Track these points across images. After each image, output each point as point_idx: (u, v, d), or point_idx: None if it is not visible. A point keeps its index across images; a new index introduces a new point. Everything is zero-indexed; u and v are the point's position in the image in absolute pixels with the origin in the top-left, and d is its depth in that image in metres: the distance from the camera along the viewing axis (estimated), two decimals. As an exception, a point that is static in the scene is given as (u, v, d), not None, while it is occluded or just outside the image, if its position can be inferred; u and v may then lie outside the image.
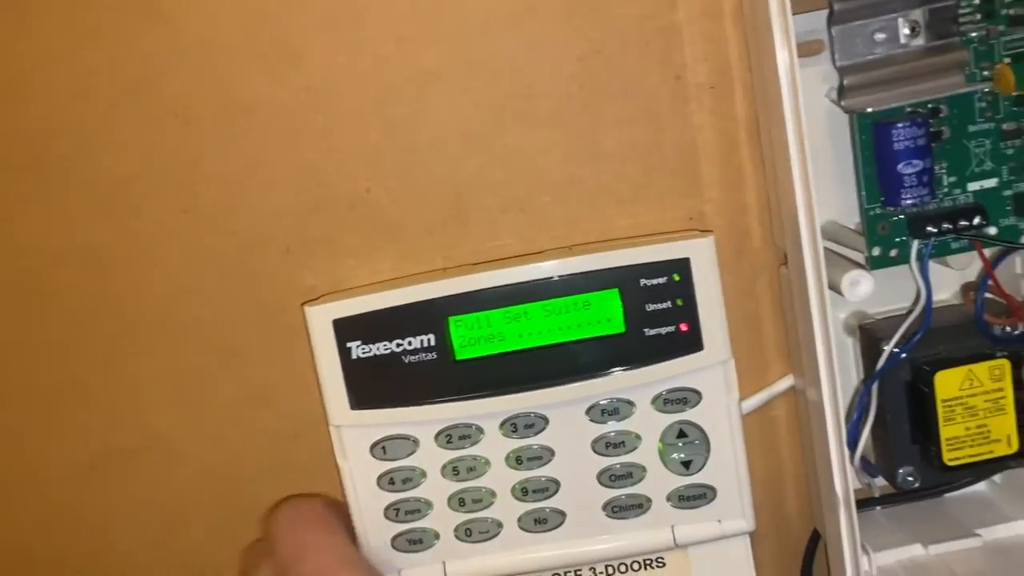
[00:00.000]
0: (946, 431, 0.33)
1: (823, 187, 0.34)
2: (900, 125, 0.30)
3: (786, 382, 0.39)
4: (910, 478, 0.35)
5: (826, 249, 0.35)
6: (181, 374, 0.40)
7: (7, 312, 0.39)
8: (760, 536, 0.39)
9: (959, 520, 0.37)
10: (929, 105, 0.31)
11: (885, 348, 0.34)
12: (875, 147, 0.31)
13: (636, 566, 0.39)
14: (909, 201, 0.31)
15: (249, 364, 0.39)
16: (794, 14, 0.31)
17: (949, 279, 0.36)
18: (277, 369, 0.39)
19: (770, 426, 0.40)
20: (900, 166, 0.30)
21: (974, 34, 0.31)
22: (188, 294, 0.39)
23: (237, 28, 0.36)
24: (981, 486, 0.38)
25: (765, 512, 0.40)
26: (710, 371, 0.36)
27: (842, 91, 0.31)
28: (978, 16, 0.31)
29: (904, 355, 0.33)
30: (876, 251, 0.33)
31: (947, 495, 0.38)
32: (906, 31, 0.31)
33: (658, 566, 0.39)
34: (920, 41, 0.31)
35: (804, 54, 0.34)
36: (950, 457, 0.34)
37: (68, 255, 0.38)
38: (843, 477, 0.33)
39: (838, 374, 0.33)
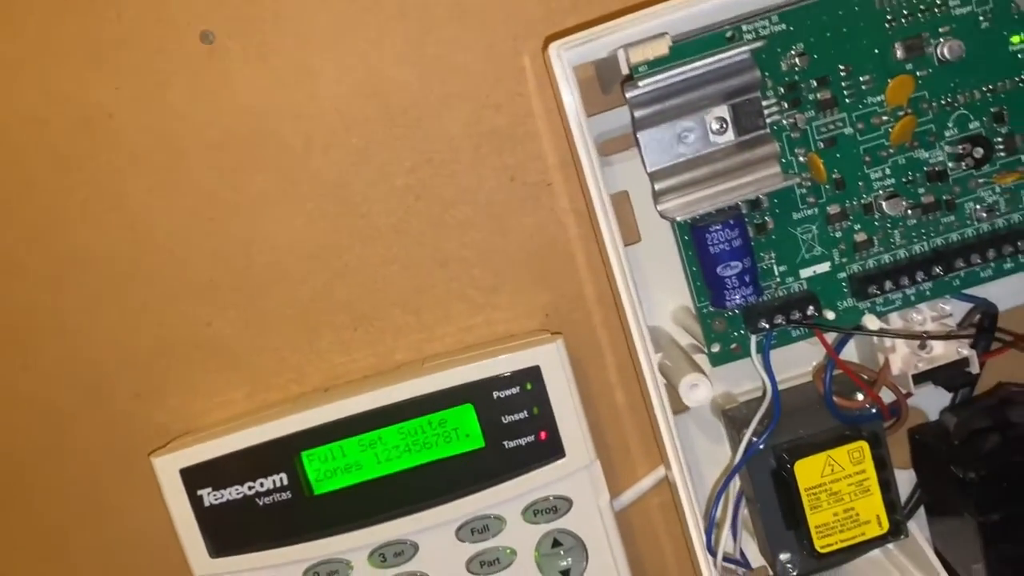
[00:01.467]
0: (814, 519, 0.33)
1: (669, 272, 0.33)
2: (714, 228, 0.30)
3: (658, 473, 0.38)
4: (789, 565, 0.35)
5: (674, 343, 0.35)
6: (44, 532, 0.38)
7: None
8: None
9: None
10: (749, 199, 0.30)
11: (743, 437, 0.33)
12: (695, 250, 0.31)
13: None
14: (735, 302, 0.30)
15: (109, 515, 0.38)
16: (590, 115, 0.31)
17: (807, 353, 0.35)
18: (138, 517, 0.38)
19: (650, 516, 0.39)
20: (719, 268, 0.30)
21: (785, 122, 0.31)
22: (43, 451, 0.37)
23: (54, 173, 0.35)
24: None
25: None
26: (576, 476, 0.35)
27: (656, 196, 0.30)
28: (785, 105, 0.31)
29: (762, 445, 0.32)
30: (716, 348, 0.32)
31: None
32: (714, 128, 0.30)
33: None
34: (729, 137, 0.30)
35: (616, 150, 0.34)
36: (821, 545, 0.33)
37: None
38: (709, 570, 0.32)
39: (708, 475, 0.32)
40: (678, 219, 0.29)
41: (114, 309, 0.36)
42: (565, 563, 0.36)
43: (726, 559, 0.33)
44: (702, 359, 0.34)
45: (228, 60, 0.34)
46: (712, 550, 0.32)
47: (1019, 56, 0.31)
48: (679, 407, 0.33)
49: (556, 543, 0.36)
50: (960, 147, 0.31)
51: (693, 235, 0.30)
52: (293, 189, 0.36)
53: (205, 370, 0.37)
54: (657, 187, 0.30)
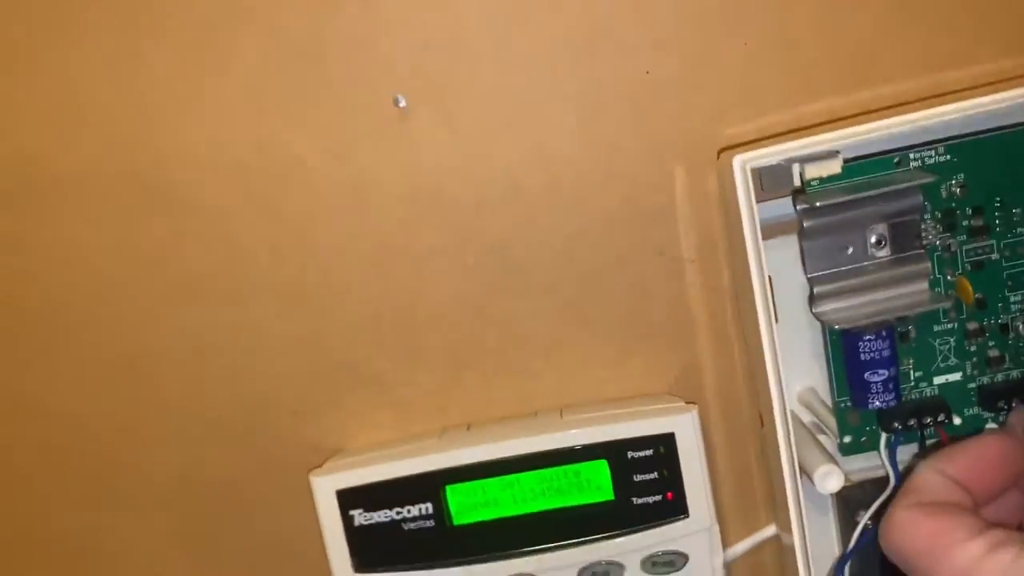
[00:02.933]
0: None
1: (800, 354, 0.36)
2: (867, 338, 0.32)
3: (771, 530, 0.41)
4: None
5: (800, 422, 0.38)
6: (194, 530, 0.42)
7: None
8: None
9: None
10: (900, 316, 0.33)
11: (859, 520, 0.36)
12: (843, 353, 0.33)
13: None
14: (876, 405, 0.33)
15: (259, 520, 0.41)
16: (759, 202, 0.33)
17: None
18: (287, 531, 0.41)
19: (758, 570, 0.42)
20: (867, 374, 0.33)
21: (938, 243, 0.33)
22: (201, 458, 0.41)
23: (245, 208, 0.38)
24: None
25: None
26: (695, 535, 0.38)
27: (812, 299, 0.33)
28: (940, 228, 0.33)
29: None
30: (847, 439, 0.35)
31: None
32: (873, 242, 0.33)
33: None
34: (886, 252, 0.33)
35: (778, 233, 0.37)
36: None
37: (81, 419, 0.40)
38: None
39: (811, 540, 0.34)
40: (836, 327, 0.32)
41: (285, 334, 0.40)
42: (675, 613, 0.39)
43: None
44: (824, 439, 0.36)
45: (417, 123, 0.37)
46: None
47: None
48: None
49: (669, 593, 0.39)
50: (1099, 284, 0.33)
51: (844, 340, 0.33)
52: (460, 244, 0.39)
53: (359, 396, 0.40)
54: (815, 291, 0.33)
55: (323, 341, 0.40)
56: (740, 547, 0.41)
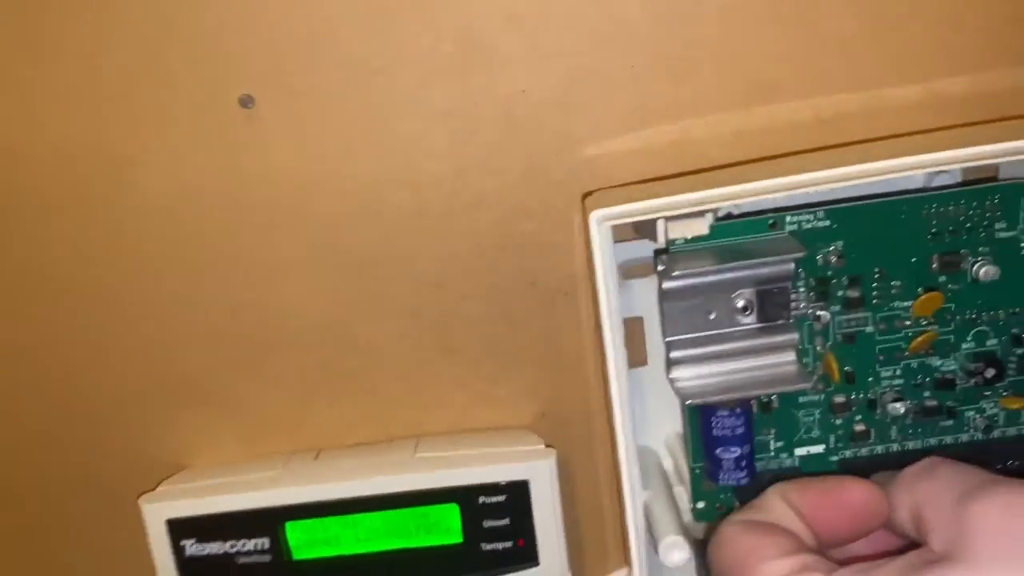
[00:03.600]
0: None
1: (670, 400, 0.34)
2: (721, 414, 0.30)
3: (622, 572, 0.40)
4: None
5: (660, 471, 0.36)
6: (14, 547, 0.39)
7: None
8: None
9: None
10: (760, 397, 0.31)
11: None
12: (699, 423, 0.31)
13: None
14: (727, 482, 0.31)
15: (85, 539, 0.39)
16: (618, 241, 0.31)
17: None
18: (116, 545, 0.39)
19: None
20: (719, 450, 0.31)
21: (809, 313, 0.31)
22: (26, 470, 0.38)
23: (75, 209, 0.35)
24: None
25: None
26: (546, 582, 0.37)
27: (669, 364, 0.31)
28: (812, 296, 0.31)
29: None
30: (701, 505, 0.33)
31: None
32: (739, 308, 0.30)
33: None
34: (752, 320, 0.30)
35: (640, 275, 0.34)
36: None
37: None
38: None
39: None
40: (689, 403, 0.30)
41: (122, 342, 0.37)
42: (522, 655, 0.37)
43: None
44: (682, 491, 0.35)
45: (266, 127, 0.34)
46: None
47: (1050, 284, 0.31)
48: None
49: (516, 636, 0.37)
50: (973, 365, 0.31)
51: (699, 411, 0.31)
52: (318, 259, 0.36)
53: (201, 413, 0.38)
54: (672, 356, 0.30)
55: (163, 353, 0.37)
56: (595, 587, 0.39)
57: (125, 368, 0.37)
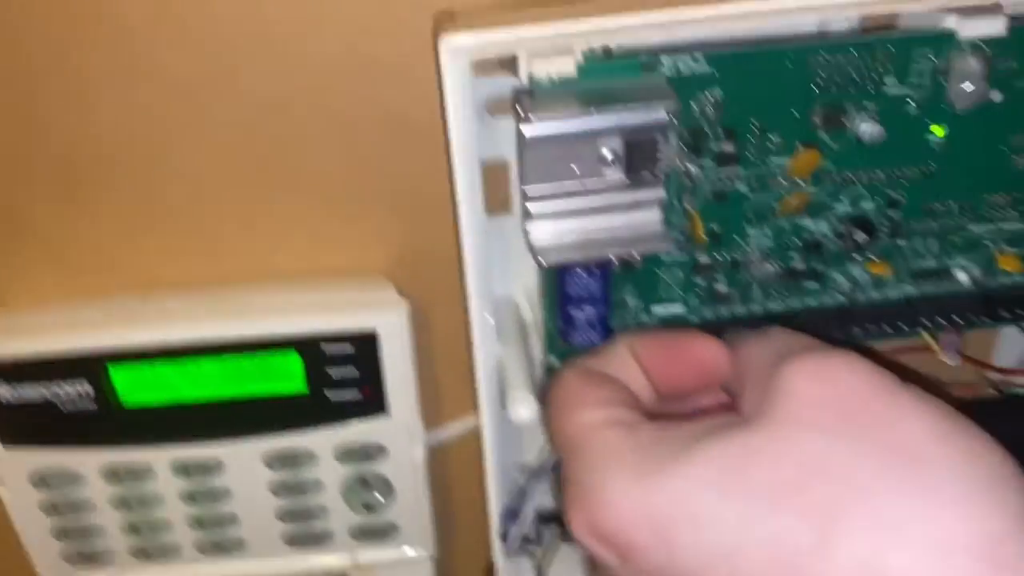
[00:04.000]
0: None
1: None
2: (576, 273, 0.28)
3: (472, 420, 0.39)
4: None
5: (518, 321, 0.34)
6: None
7: None
8: (448, 557, 0.41)
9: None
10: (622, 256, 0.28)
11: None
12: (553, 279, 0.29)
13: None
14: (579, 341, 0.29)
15: None
16: (479, 75, 0.27)
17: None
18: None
19: (462, 456, 0.40)
20: (571, 308, 0.29)
21: (679, 166, 0.28)
22: None
23: None
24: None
25: (452, 537, 0.41)
26: (395, 432, 0.35)
27: (525, 216, 0.28)
28: (684, 149, 0.28)
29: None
30: (554, 361, 0.31)
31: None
32: (605, 158, 0.27)
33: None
34: (618, 172, 0.27)
35: (505, 112, 0.31)
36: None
37: None
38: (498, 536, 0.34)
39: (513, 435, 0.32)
40: (545, 263, 0.27)
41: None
42: (370, 499, 0.37)
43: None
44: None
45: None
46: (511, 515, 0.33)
47: (934, 147, 0.29)
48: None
49: (364, 483, 0.36)
50: (845, 228, 0.30)
51: (555, 269, 0.28)
52: (130, 75, 0.31)
53: (15, 250, 0.34)
54: (529, 208, 0.28)
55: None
56: (447, 433, 0.38)
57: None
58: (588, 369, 0.27)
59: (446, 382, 0.38)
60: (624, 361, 0.27)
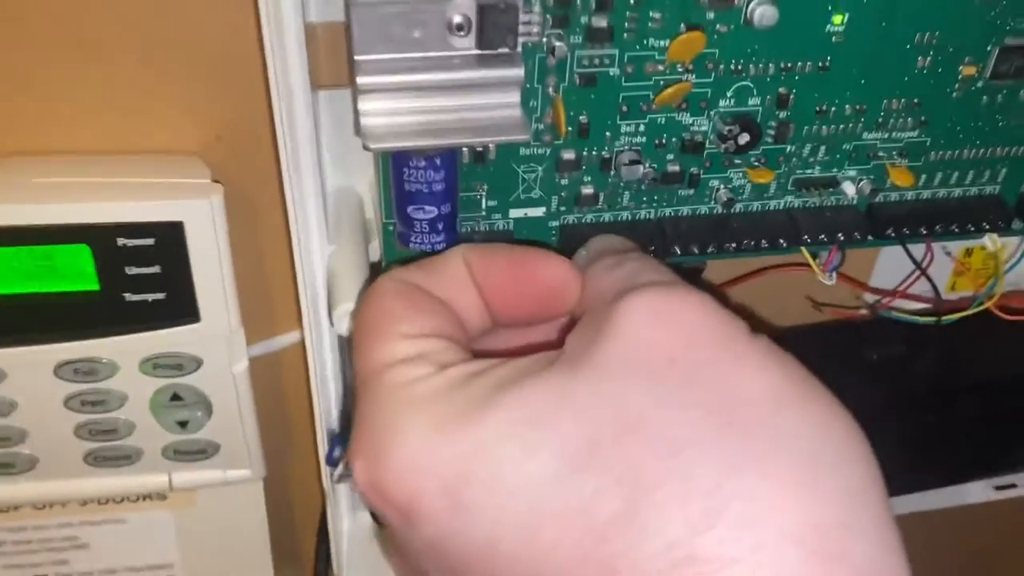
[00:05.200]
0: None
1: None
2: (415, 164, 0.23)
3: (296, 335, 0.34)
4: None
5: (356, 220, 0.29)
6: None
7: None
8: (283, 479, 0.37)
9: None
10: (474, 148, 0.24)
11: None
12: (391, 172, 0.24)
13: (134, 497, 0.36)
14: (419, 246, 0.25)
15: None
16: None
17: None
18: None
19: (285, 370, 0.36)
20: (411, 209, 0.24)
21: (543, 42, 0.24)
22: None
23: None
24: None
25: (287, 457, 0.37)
26: (209, 340, 0.30)
27: (357, 93, 0.23)
28: (549, 21, 0.24)
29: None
30: (392, 266, 0.27)
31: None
32: (455, 27, 0.23)
33: (158, 499, 0.36)
34: (469, 44, 0.23)
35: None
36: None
37: None
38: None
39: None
40: (373, 147, 0.22)
41: None
42: (184, 415, 0.32)
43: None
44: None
45: None
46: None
47: (832, 39, 0.25)
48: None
49: (176, 396, 0.32)
50: (727, 128, 0.26)
51: (391, 158, 0.24)
52: None
53: None
54: (360, 81, 0.23)
55: None
56: (279, 343, 0.34)
57: None
58: (410, 284, 0.22)
59: (277, 285, 0.33)
60: (456, 278, 0.23)
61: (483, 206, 0.26)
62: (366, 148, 0.23)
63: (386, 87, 0.23)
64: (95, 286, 0.29)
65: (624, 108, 0.25)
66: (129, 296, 0.29)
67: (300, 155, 0.25)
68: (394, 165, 0.24)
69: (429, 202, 0.24)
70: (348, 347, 0.28)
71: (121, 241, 0.28)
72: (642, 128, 0.26)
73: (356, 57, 0.23)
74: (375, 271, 0.29)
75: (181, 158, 0.29)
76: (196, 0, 0.27)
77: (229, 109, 0.29)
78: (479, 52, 0.23)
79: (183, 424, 0.32)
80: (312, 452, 0.37)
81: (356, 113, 0.23)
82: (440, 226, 0.25)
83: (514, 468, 0.17)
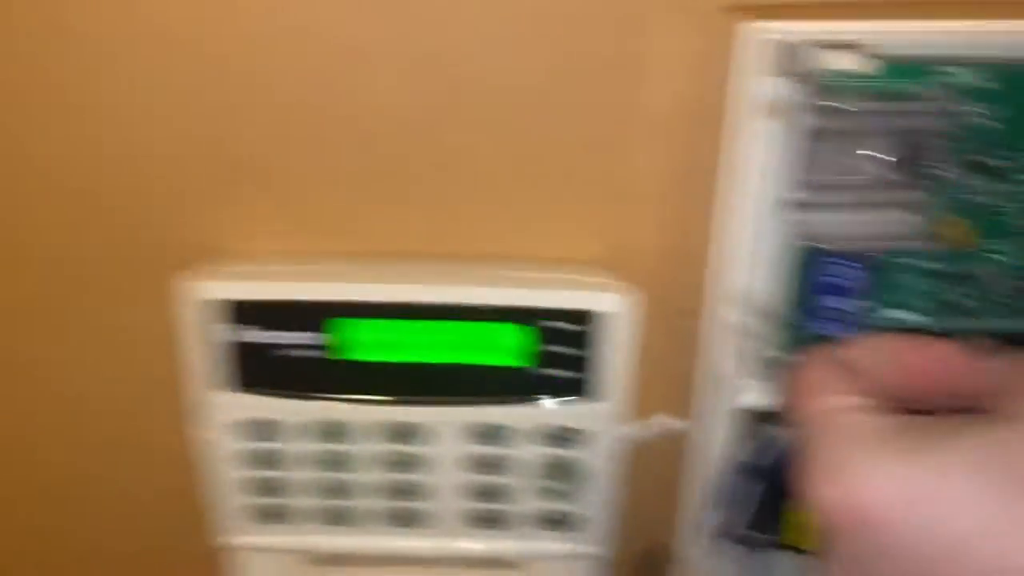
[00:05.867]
0: (794, 516, 0.34)
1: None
2: (835, 260, 0.29)
3: (667, 422, 0.39)
4: (758, 542, 0.36)
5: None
6: (46, 304, 0.37)
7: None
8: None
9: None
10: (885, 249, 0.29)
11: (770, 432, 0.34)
12: (805, 269, 0.30)
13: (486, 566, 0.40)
14: (822, 332, 0.30)
15: (114, 312, 0.37)
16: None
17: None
18: (139, 323, 0.37)
19: (653, 458, 0.40)
20: (821, 298, 0.29)
21: (947, 176, 0.29)
22: (65, 227, 0.35)
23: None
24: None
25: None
26: (602, 419, 0.36)
27: (788, 203, 0.29)
28: (958, 160, 0.29)
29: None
30: (782, 354, 0.32)
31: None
32: (876, 159, 0.28)
33: (508, 567, 0.40)
34: (888, 173, 0.28)
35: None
36: (787, 539, 0.35)
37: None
38: (693, 537, 0.34)
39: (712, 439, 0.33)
40: (804, 244, 0.28)
41: (175, 109, 0.33)
42: (559, 486, 0.37)
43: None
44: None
45: None
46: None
47: None
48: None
49: (559, 467, 0.36)
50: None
51: (812, 255, 0.29)
52: (393, 44, 0.32)
53: (251, 200, 0.35)
54: (797, 196, 0.29)
55: (220, 128, 0.34)
56: (638, 431, 0.39)
57: (175, 136, 0.34)
58: (835, 357, 0.28)
59: (654, 381, 0.38)
60: (872, 355, 0.28)
61: (873, 307, 0.31)
62: (802, 248, 0.28)
63: (815, 202, 0.29)
64: (520, 362, 0.34)
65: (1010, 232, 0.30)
66: (546, 372, 0.35)
67: (730, 265, 0.30)
68: (814, 262, 0.29)
69: (841, 294, 0.29)
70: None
71: (548, 324, 0.34)
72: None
73: (797, 177, 0.29)
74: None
75: (588, 264, 0.36)
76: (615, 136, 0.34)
77: (622, 228, 0.36)
78: (896, 179, 0.28)
79: (556, 495, 0.37)
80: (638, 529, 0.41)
81: (789, 223, 0.29)
82: (844, 317, 0.29)
83: (971, 495, 0.22)
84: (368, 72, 0.33)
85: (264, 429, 0.36)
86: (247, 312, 0.34)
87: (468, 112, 0.33)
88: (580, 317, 0.34)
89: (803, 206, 0.29)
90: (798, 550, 0.35)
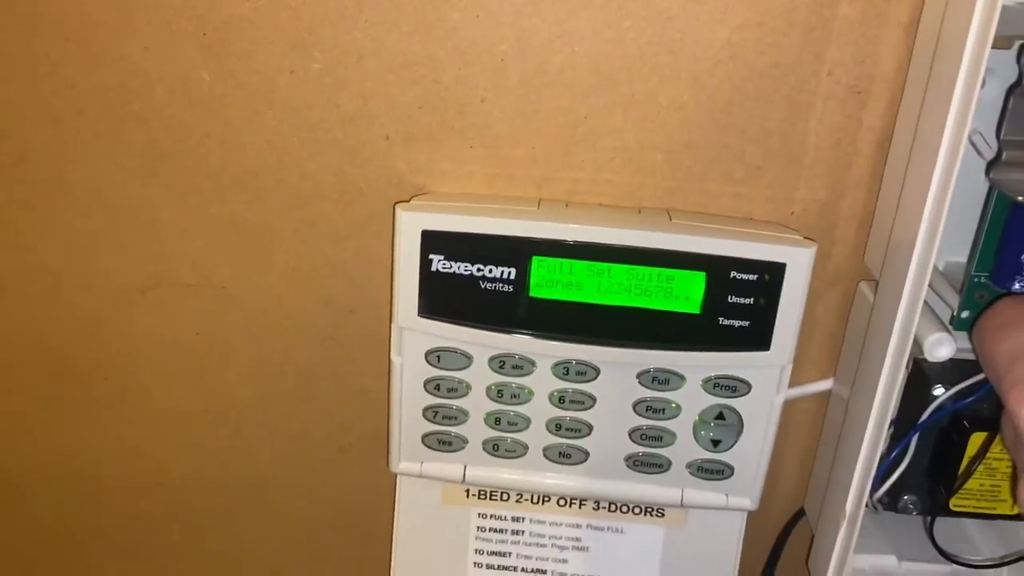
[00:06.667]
0: (964, 482, 0.35)
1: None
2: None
3: (826, 384, 0.40)
4: (911, 506, 0.38)
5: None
6: (251, 228, 0.39)
7: (90, 129, 0.38)
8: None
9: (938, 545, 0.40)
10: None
11: (936, 394, 0.35)
12: (1007, 225, 0.31)
13: (637, 510, 0.42)
14: (1018, 287, 0.31)
15: (322, 236, 0.39)
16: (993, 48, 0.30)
17: None
18: (349, 247, 0.39)
19: (796, 416, 0.42)
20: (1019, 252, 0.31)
21: None
22: (277, 151, 0.38)
23: None
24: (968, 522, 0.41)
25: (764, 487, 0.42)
26: (767, 370, 0.37)
27: (996, 162, 0.30)
28: None
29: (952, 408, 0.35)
30: (965, 314, 0.33)
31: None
32: (1085, 121, 0.30)
33: (657, 515, 0.42)
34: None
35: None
36: (956, 504, 0.36)
37: (164, 82, 0.37)
38: (857, 499, 0.35)
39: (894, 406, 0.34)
40: (1019, 198, 0.29)
41: (401, 47, 0.36)
42: (720, 435, 0.38)
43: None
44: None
45: None
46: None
47: None
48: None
49: (720, 416, 0.38)
50: None
51: (1012, 212, 0.31)
52: (613, 3, 0.35)
53: (459, 141, 0.37)
54: (1005, 155, 0.30)
55: (438, 70, 0.36)
56: (798, 391, 0.40)
57: (396, 78, 0.36)
58: None
59: (818, 337, 0.40)
60: None
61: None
62: (1004, 198, 0.29)
63: (1020, 161, 0.30)
64: (697, 309, 0.36)
65: None
66: (722, 320, 0.36)
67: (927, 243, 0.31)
68: (1017, 215, 0.31)
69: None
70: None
71: (733, 274, 0.36)
72: None
73: (1003, 136, 0.30)
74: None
75: (770, 223, 0.38)
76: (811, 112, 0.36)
77: (808, 194, 0.37)
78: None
79: (715, 443, 0.39)
80: (794, 488, 0.42)
81: (991, 180, 0.30)
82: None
83: None
84: (575, 24, 0.35)
85: (451, 358, 0.38)
86: (452, 244, 0.36)
87: (670, 65, 0.35)
88: (767, 269, 0.35)
89: (1009, 164, 0.30)
90: (965, 514, 0.36)
